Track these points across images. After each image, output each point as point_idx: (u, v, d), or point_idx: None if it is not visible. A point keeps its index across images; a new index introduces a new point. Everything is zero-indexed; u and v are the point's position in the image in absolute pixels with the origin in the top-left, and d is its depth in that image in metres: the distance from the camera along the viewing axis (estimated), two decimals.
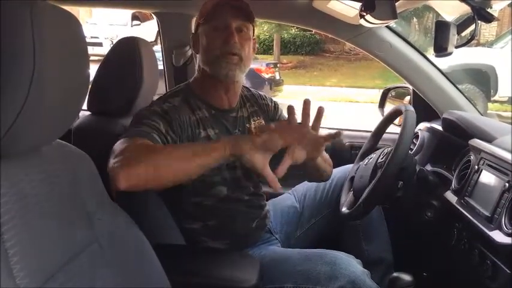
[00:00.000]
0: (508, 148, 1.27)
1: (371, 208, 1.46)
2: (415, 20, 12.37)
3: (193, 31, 1.44)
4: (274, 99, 1.62)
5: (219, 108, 1.41)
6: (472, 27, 1.38)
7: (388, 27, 1.80)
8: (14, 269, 0.71)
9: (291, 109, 1.15)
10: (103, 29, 11.84)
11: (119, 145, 1.14)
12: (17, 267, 0.71)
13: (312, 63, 13.74)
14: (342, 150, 2.06)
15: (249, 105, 1.50)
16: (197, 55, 1.43)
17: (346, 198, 1.56)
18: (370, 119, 2.48)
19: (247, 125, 1.46)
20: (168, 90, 1.47)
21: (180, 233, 1.39)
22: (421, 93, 1.86)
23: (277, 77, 9.17)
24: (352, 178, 1.60)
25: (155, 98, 1.53)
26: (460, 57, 6.55)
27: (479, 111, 1.84)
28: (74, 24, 0.80)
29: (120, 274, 0.96)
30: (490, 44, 8.80)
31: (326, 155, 1.48)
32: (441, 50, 1.38)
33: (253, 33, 1.40)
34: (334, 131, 1.18)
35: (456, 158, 1.53)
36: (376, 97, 2.34)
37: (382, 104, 2.15)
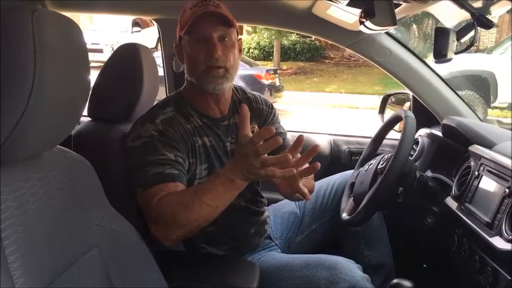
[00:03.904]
0: (508, 154, 1.27)
1: (371, 214, 1.46)
2: (414, 26, 12.41)
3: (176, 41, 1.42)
4: (274, 105, 1.62)
5: (210, 116, 1.39)
6: (472, 33, 1.38)
7: (387, 33, 1.80)
8: (13, 275, 0.71)
9: (299, 140, 1.09)
10: (104, 35, 11.87)
11: (142, 202, 1.22)
12: (16, 273, 0.71)
13: (312, 69, 13.76)
14: None
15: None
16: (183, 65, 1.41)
17: (346, 204, 1.56)
18: (370, 125, 2.48)
19: None
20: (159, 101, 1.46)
21: None
22: (421, 99, 1.86)
23: (277, 83, 9.18)
24: (352, 184, 1.60)
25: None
26: (460, 63, 6.56)
27: (479, 117, 1.84)
28: (75, 30, 0.81)
29: (119, 280, 0.96)
30: (489, 50, 8.83)
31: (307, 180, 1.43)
32: (441, 56, 1.38)
33: (238, 34, 1.38)
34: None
35: (456, 164, 1.53)
36: (376, 103, 2.34)
37: (382, 110, 2.15)
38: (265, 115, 1.54)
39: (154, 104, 1.55)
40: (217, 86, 1.32)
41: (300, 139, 1.08)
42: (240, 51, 1.40)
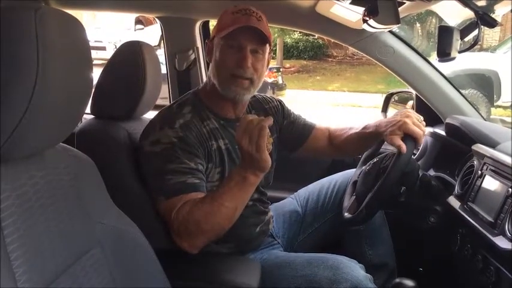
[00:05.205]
0: (511, 153, 1.27)
1: (373, 213, 1.45)
2: (418, 25, 12.37)
3: (210, 37, 1.44)
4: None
5: (227, 118, 1.41)
6: (475, 32, 1.38)
7: (391, 32, 1.80)
8: (16, 272, 0.71)
9: None
10: (106, 33, 11.87)
11: (164, 211, 1.25)
12: (19, 270, 0.71)
13: (314, 67, 13.73)
14: None
15: (254, 112, 1.50)
16: (209, 63, 1.43)
17: (348, 202, 1.56)
18: None
19: None
20: (177, 97, 1.48)
21: None
22: (424, 98, 1.85)
23: (280, 82, 9.17)
24: (355, 182, 1.59)
25: (158, 102, 1.54)
26: (463, 62, 6.54)
27: (482, 116, 1.84)
28: (78, 28, 0.81)
29: (121, 278, 0.96)
30: (493, 49, 8.78)
31: None
32: (444, 55, 1.38)
33: (270, 50, 1.41)
34: None
35: (459, 163, 1.52)
36: (379, 102, 2.34)
37: (385, 109, 2.15)
38: (280, 111, 1.61)
39: (156, 100, 1.55)
40: (238, 96, 1.36)
41: None
42: (268, 65, 1.42)
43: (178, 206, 1.22)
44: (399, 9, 1.41)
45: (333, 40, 1.99)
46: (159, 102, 1.56)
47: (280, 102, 1.64)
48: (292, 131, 1.62)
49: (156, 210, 1.28)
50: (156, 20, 2.09)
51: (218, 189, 1.25)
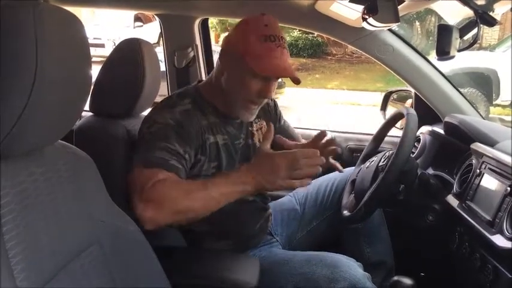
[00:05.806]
0: (509, 152, 1.27)
1: (372, 211, 1.46)
2: (417, 23, 12.37)
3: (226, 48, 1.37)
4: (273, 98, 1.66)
5: (227, 115, 1.41)
6: (475, 31, 1.38)
7: (390, 30, 1.80)
8: (14, 270, 0.71)
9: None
10: (105, 30, 11.85)
11: (139, 178, 1.17)
12: (17, 268, 0.71)
13: (314, 65, 13.71)
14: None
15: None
16: (217, 62, 1.41)
17: (347, 201, 1.56)
18: (372, 122, 2.48)
19: (249, 128, 1.48)
20: (174, 91, 1.47)
21: (180, 234, 1.39)
22: (423, 96, 1.86)
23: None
24: (354, 181, 1.60)
25: (157, 99, 1.54)
26: (463, 60, 6.54)
27: (481, 115, 1.84)
28: (76, 25, 0.80)
29: (120, 275, 0.96)
30: (492, 48, 8.78)
31: None
32: (443, 53, 1.38)
33: None
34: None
35: (458, 161, 1.53)
36: (378, 100, 2.34)
37: (384, 107, 2.15)
38: (272, 110, 1.62)
39: (155, 98, 1.55)
40: (245, 120, 1.41)
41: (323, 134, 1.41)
42: None
43: (159, 178, 1.16)
44: (399, 7, 1.41)
45: (332, 38, 1.99)
46: (158, 99, 1.56)
47: (274, 101, 1.65)
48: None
49: (128, 178, 1.21)
50: (155, 17, 2.09)
51: (213, 179, 1.22)
